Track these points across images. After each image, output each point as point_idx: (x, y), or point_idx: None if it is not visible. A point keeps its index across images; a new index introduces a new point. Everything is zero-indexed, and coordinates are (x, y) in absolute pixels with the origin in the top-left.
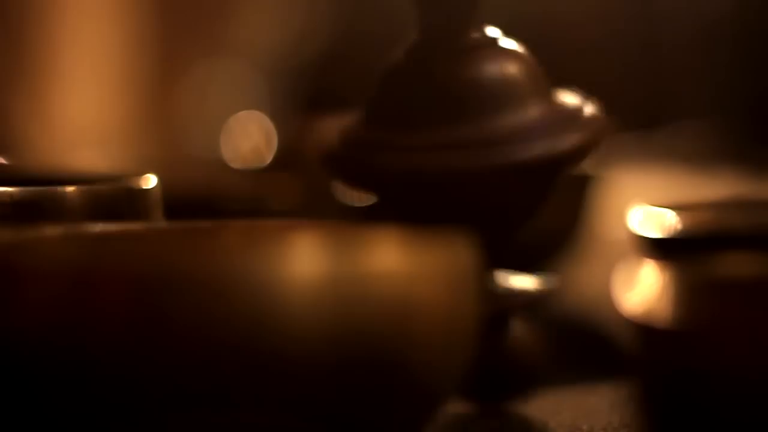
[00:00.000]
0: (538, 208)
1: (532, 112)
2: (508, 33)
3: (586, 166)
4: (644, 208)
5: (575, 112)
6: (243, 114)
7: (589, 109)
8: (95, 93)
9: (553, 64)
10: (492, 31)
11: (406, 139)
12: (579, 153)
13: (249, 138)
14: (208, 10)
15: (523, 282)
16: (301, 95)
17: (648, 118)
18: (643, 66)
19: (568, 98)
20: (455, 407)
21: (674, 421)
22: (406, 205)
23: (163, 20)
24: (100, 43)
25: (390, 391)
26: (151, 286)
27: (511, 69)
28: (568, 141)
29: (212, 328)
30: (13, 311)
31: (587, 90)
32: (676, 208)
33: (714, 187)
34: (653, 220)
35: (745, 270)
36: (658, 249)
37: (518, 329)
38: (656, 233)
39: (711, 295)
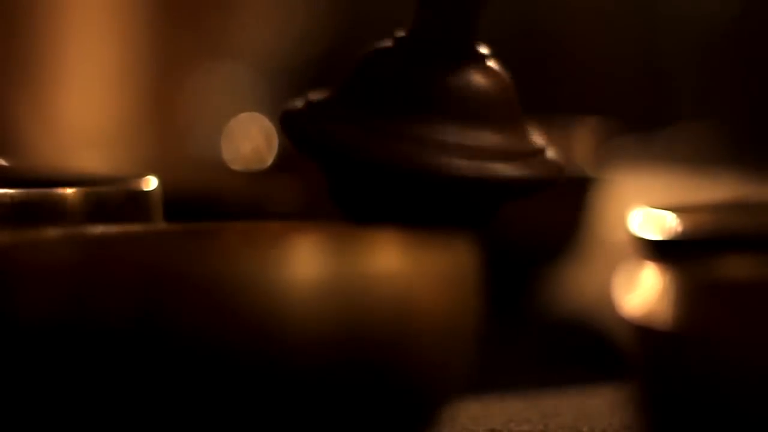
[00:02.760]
0: (481, 225)
1: (492, 133)
2: (511, 37)
3: (587, 167)
4: (645, 210)
5: (534, 149)
6: (244, 115)
7: (550, 152)
8: (96, 94)
9: (555, 67)
10: (484, 49)
11: (364, 119)
12: (520, 187)
13: (250, 139)
14: (209, 11)
15: None
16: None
17: (649, 121)
18: (644, 68)
19: (536, 136)
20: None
21: (674, 423)
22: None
23: (164, 22)
24: (101, 45)
25: (390, 392)
26: (151, 288)
27: (489, 88)
28: (512, 171)
29: (213, 329)
30: (13, 313)
31: (588, 91)
32: (676, 210)
33: (714, 189)
34: (654, 222)
35: (745, 272)
36: (659, 251)
37: None
38: (657, 235)
39: (711, 298)
